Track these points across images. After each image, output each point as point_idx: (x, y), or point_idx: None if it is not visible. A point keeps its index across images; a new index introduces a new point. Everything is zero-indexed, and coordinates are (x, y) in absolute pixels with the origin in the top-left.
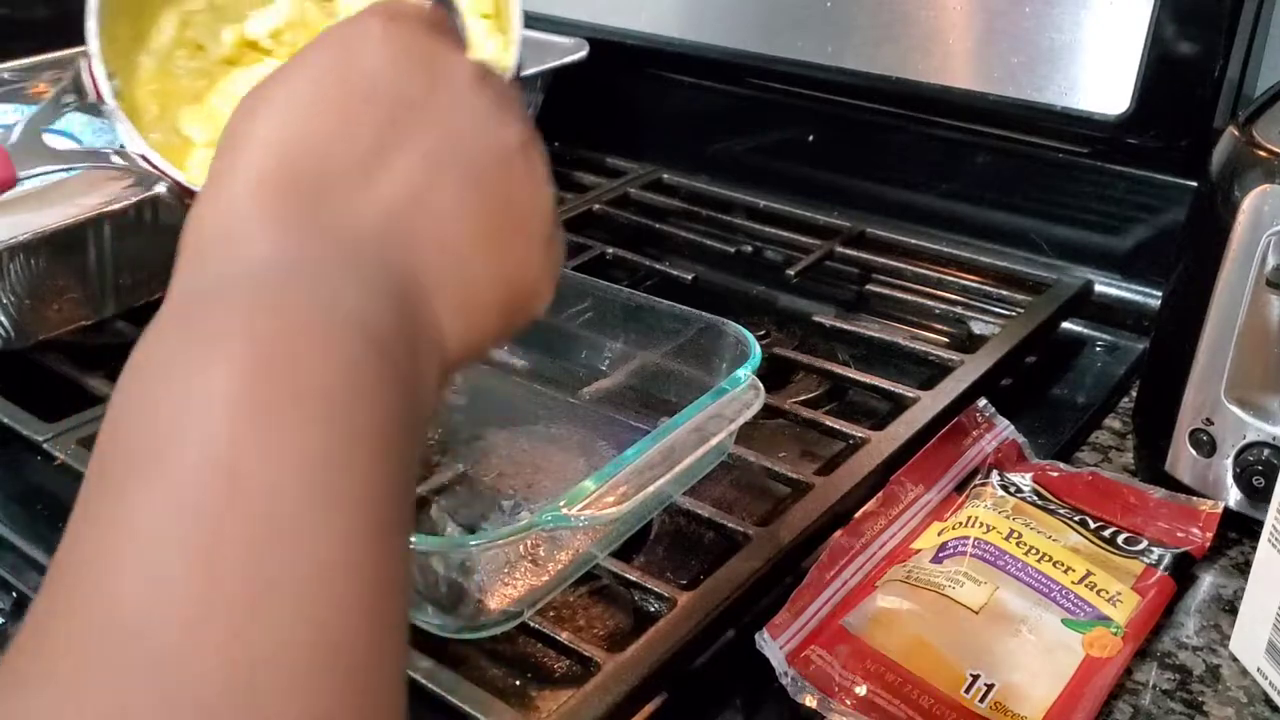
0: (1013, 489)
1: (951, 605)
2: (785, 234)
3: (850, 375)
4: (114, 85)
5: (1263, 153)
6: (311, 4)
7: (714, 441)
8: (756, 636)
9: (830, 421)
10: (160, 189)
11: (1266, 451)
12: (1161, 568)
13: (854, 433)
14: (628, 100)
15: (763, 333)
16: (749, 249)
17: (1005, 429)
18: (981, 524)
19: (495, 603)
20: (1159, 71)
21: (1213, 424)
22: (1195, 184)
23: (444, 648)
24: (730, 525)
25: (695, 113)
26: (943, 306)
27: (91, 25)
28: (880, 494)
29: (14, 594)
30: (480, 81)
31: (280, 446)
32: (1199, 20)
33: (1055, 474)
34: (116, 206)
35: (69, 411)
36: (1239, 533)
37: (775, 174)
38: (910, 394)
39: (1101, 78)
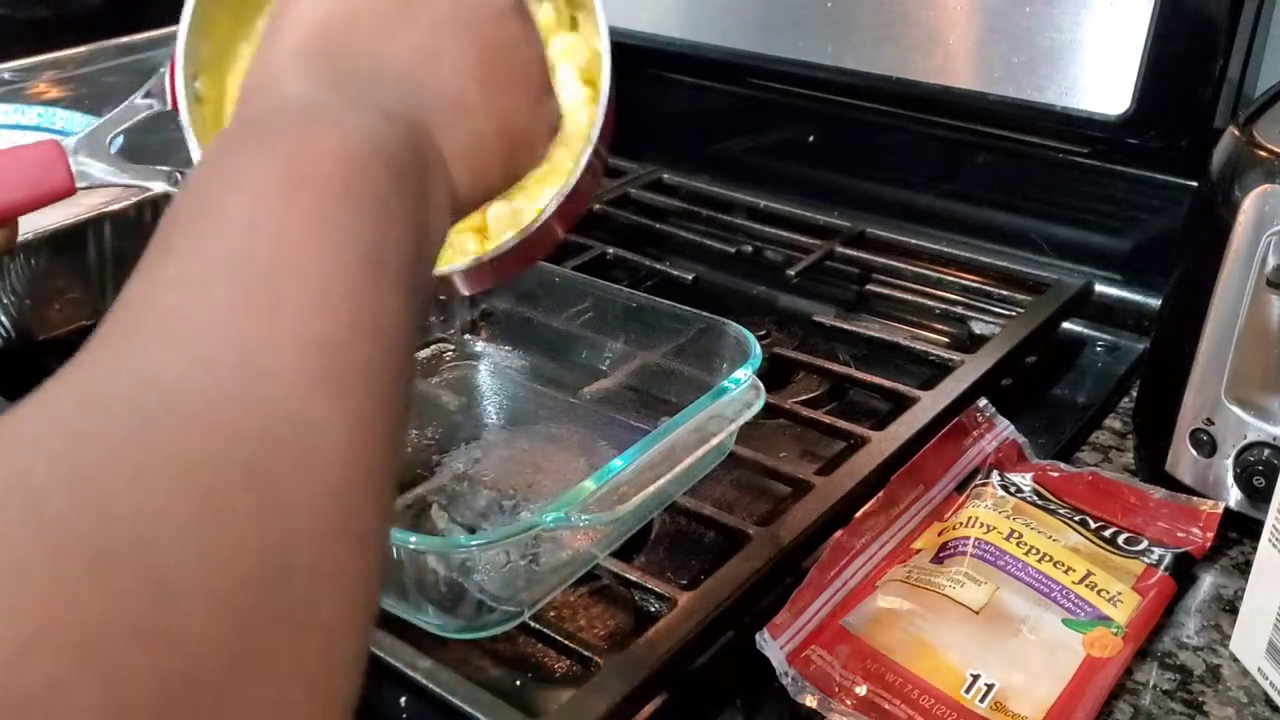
0: (1013, 489)
1: (952, 605)
2: (785, 234)
3: (851, 375)
4: (196, 89)
5: (1263, 153)
6: None
7: (714, 441)
8: (757, 636)
9: (831, 421)
10: (158, 188)
11: (1267, 451)
12: (1162, 568)
13: (854, 432)
14: (628, 100)
15: (763, 333)
16: (749, 249)
17: (1005, 429)
18: (982, 524)
19: (495, 603)
20: (1159, 71)
21: (1213, 424)
22: (1195, 184)
23: (444, 648)
24: (730, 525)
25: (695, 113)
26: (943, 306)
27: (184, 20)
28: (881, 494)
29: None
30: None
31: (297, 217)
32: (1199, 20)
33: (1056, 474)
34: (116, 207)
35: None
36: (1239, 533)
37: (775, 174)
38: (911, 394)
39: (1102, 78)
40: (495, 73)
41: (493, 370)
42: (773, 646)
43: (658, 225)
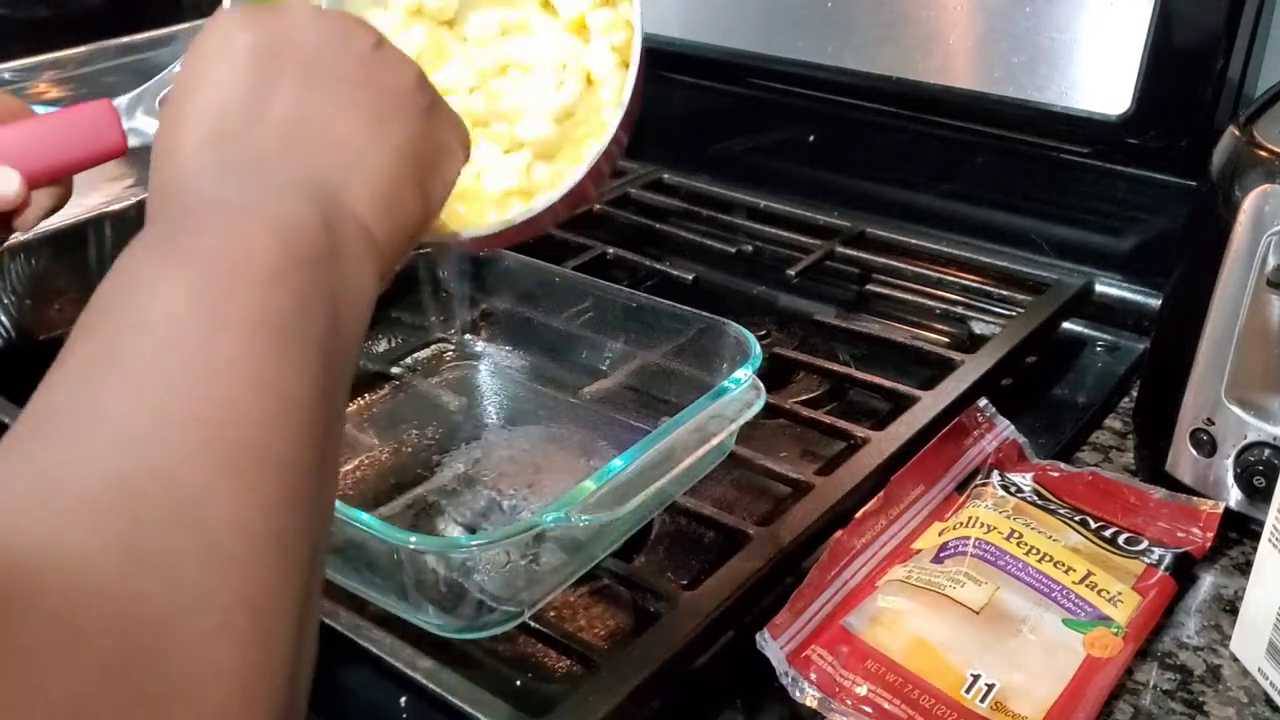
0: (1013, 489)
1: (952, 605)
2: (785, 234)
3: (851, 375)
4: None
5: (1263, 153)
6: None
7: (715, 441)
8: (757, 636)
9: (831, 421)
10: None
11: (1267, 451)
12: (1162, 568)
13: (855, 432)
14: None
15: (763, 333)
16: (749, 249)
17: (1006, 429)
18: (982, 524)
19: (495, 603)
20: (1159, 71)
21: (1213, 424)
22: (1196, 184)
23: (444, 648)
24: (731, 525)
25: (695, 113)
26: (943, 306)
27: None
28: (881, 494)
29: None
30: (317, 13)
31: (189, 305)
32: (1199, 20)
33: (1056, 474)
34: (116, 207)
35: None
36: (1239, 533)
37: (775, 174)
38: (911, 394)
39: (1102, 78)
40: (372, 110)
41: (493, 370)
42: (773, 646)
43: (658, 225)
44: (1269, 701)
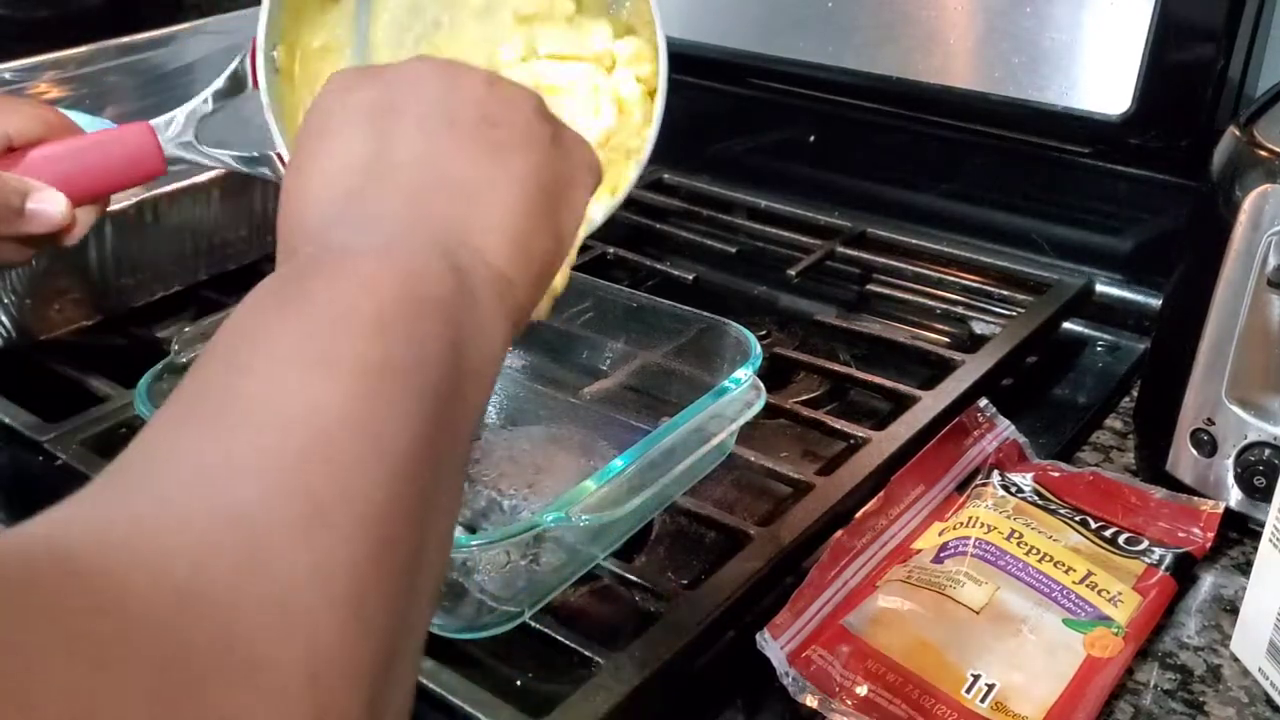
0: (1014, 489)
1: (952, 605)
2: (786, 234)
3: (851, 375)
4: (274, 57)
5: (1264, 153)
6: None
7: (715, 441)
8: (757, 636)
9: (831, 421)
10: (241, 168)
11: (1267, 451)
12: (1162, 568)
13: (855, 432)
14: None
15: (764, 333)
16: (750, 249)
17: (1006, 429)
18: (982, 524)
19: (495, 603)
20: (1160, 71)
21: (1214, 424)
22: (1196, 184)
23: (444, 648)
24: (731, 525)
25: (695, 113)
26: (944, 306)
27: None
28: (881, 494)
29: None
30: (425, 64)
31: (305, 360)
32: (1200, 20)
33: (1056, 474)
34: (116, 207)
35: (69, 412)
36: (1240, 533)
37: (776, 174)
38: (911, 394)
39: (1102, 78)
40: (493, 149)
41: None
42: (773, 646)
43: (658, 225)
44: (1269, 701)
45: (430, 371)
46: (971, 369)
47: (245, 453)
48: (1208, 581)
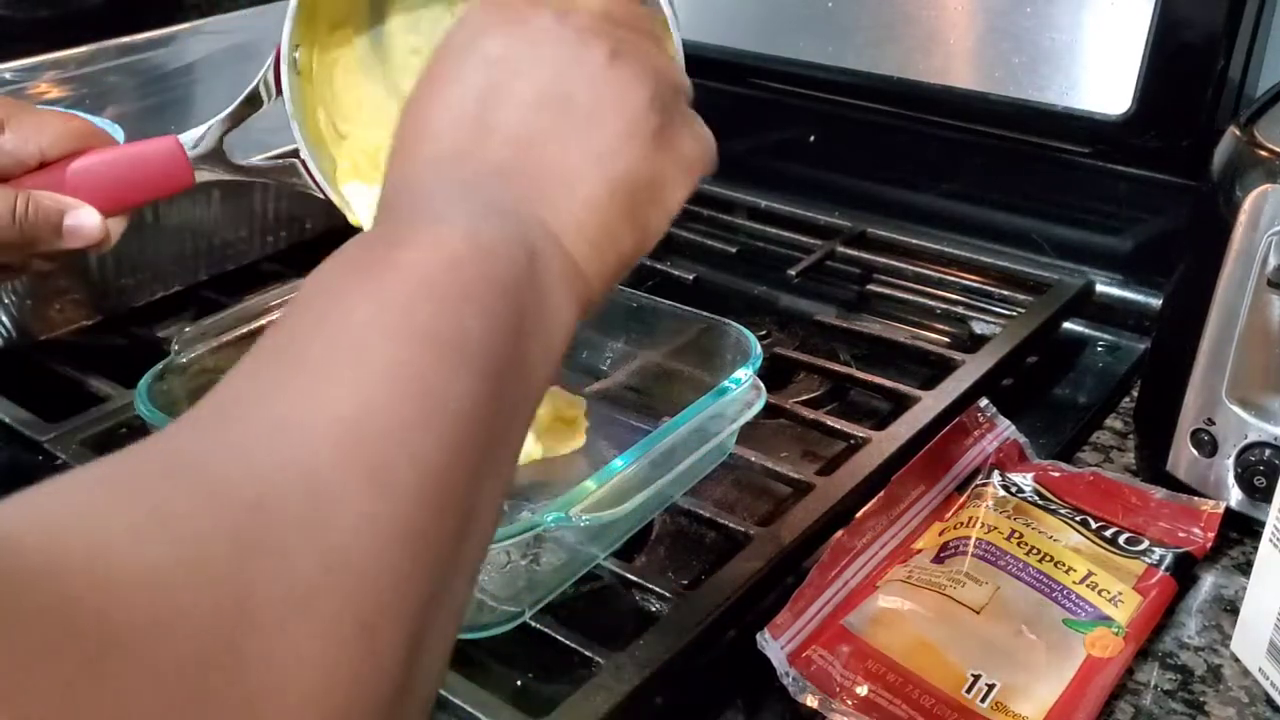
0: (1014, 489)
1: (953, 605)
2: (786, 234)
3: (851, 375)
4: (296, 59)
5: (1264, 153)
6: None
7: (715, 441)
8: (758, 636)
9: (831, 421)
10: (270, 179)
11: (1268, 451)
12: (1163, 568)
13: (855, 433)
14: None
15: (764, 333)
16: (750, 249)
17: (1006, 429)
18: (983, 524)
19: (495, 603)
20: (1160, 71)
21: (1214, 424)
22: (1196, 184)
23: None
24: (731, 525)
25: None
26: (944, 306)
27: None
28: (881, 494)
29: None
30: (560, 17)
31: (389, 319)
32: (1200, 20)
33: (1056, 474)
34: None
35: (69, 412)
36: (1240, 533)
37: (776, 174)
38: (911, 394)
39: (1102, 78)
40: (595, 138)
41: None
42: (773, 646)
43: None
44: (1269, 702)
45: (496, 348)
46: (972, 369)
47: (316, 410)
48: (1208, 581)
